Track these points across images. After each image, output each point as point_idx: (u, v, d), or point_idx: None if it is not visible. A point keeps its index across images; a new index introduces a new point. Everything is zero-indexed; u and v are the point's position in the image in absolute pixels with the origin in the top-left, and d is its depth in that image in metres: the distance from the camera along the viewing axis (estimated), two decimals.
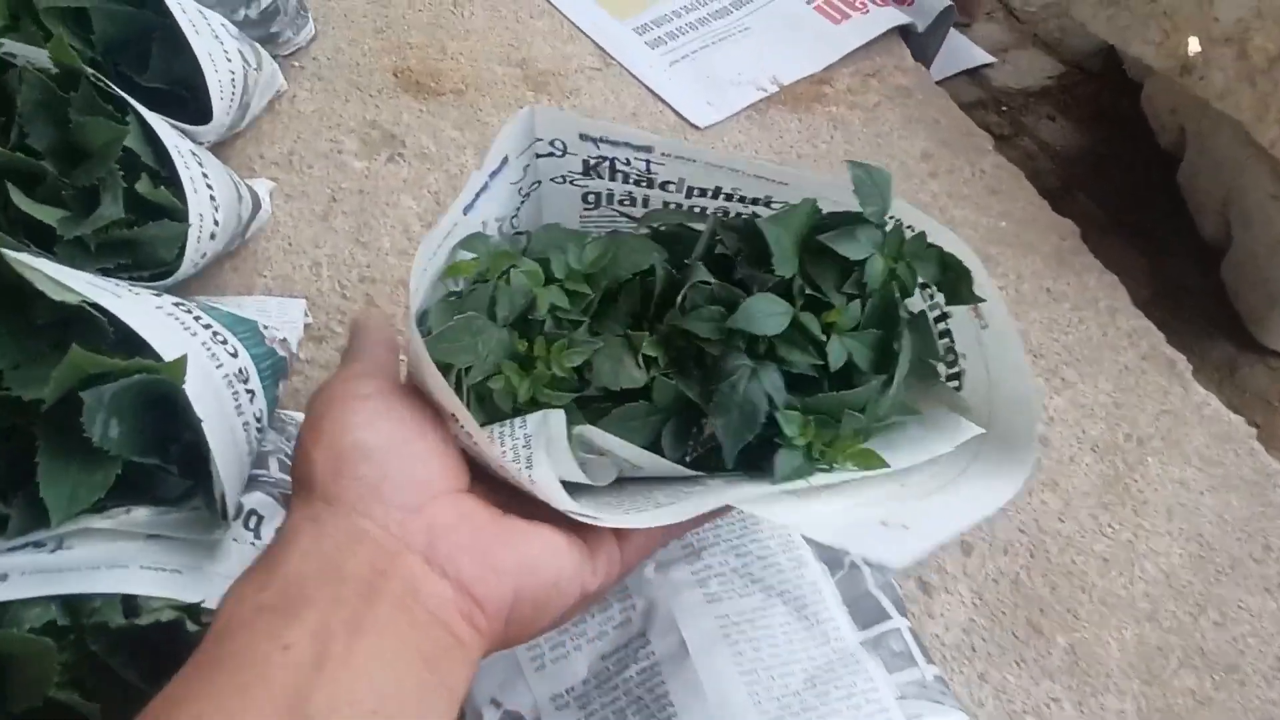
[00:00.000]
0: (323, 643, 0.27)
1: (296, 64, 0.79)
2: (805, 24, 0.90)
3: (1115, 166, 1.00)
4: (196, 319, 0.44)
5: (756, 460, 0.37)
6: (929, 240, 0.37)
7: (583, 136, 0.41)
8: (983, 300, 0.37)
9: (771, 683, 0.46)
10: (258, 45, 0.68)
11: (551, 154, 0.42)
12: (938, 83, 1.02)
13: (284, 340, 0.53)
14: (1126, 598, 0.59)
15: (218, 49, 0.56)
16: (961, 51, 1.08)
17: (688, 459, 0.38)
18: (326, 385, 0.34)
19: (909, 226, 0.38)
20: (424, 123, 0.77)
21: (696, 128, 0.80)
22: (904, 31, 0.93)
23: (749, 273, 0.38)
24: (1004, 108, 1.05)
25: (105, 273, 0.48)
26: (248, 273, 0.66)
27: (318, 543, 0.30)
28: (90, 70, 0.47)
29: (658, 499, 0.36)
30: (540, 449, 0.34)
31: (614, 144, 0.41)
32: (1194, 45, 0.78)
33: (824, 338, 0.36)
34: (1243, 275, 0.85)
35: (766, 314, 0.35)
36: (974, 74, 1.08)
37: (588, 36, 0.86)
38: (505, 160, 0.40)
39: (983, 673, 0.55)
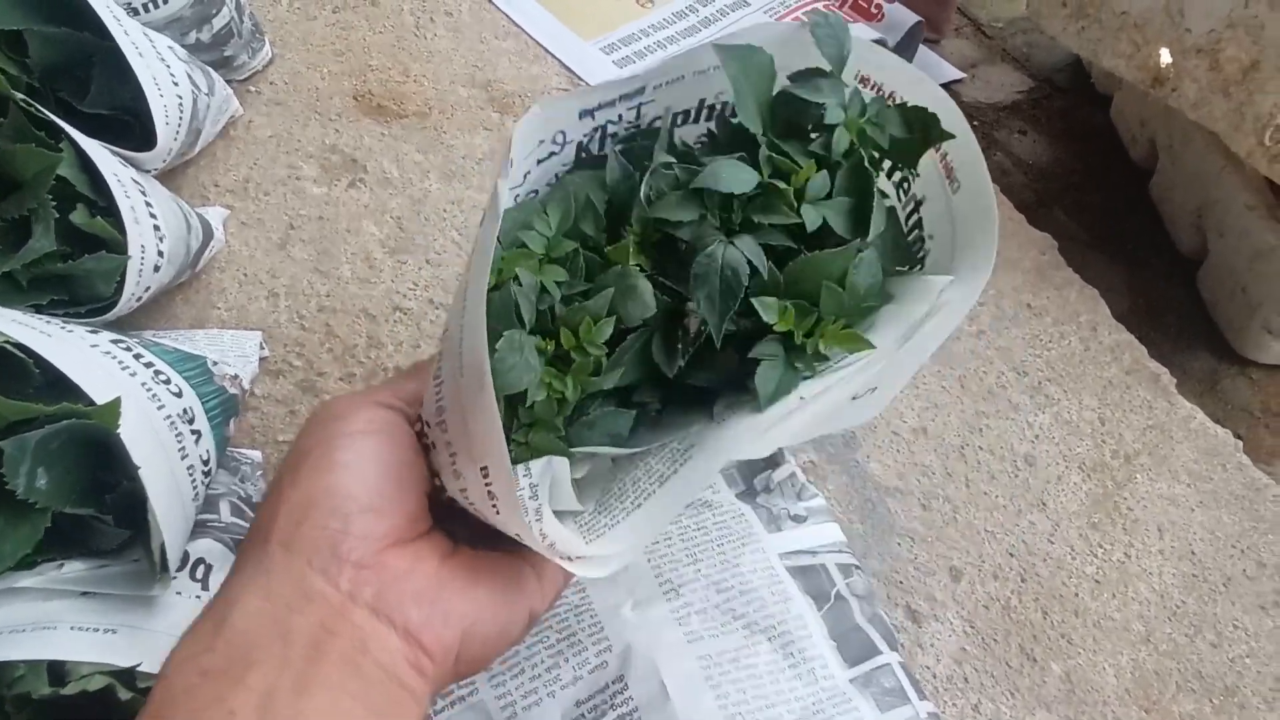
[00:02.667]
0: (269, 707, 0.27)
1: (253, 89, 0.76)
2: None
3: (1088, 180, 0.99)
4: (137, 357, 0.42)
5: (739, 393, 0.36)
6: (899, 96, 0.37)
7: (581, 114, 0.38)
8: (953, 137, 0.36)
9: None
10: (210, 69, 0.66)
11: (551, 153, 0.38)
12: None
13: (235, 377, 0.50)
14: (1120, 620, 0.57)
15: (163, 73, 0.53)
16: (931, 67, 1.07)
17: (682, 362, 0.36)
18: (327, 405, 0.34)
19: (874, 85, 0.38)
20: (386, 146, 0.75)
21: None
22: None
23: (711, 157, 0.35)
24: (975, 122, 1.05)
25: (38, 309, 0.45)
26: (200, 305, 0.63)
27: (267, 600, 0.29)
28: (20, 95, 0.45)
29: (659, 470, 0.35)
30: (544, 496, 0.32)
31: (609, 105, 0.38)
32: (1165, 57, 0.77)
33: (796, 204, 0.35)
34: (1220, 286, 0.84)
35: (733, 174, 0.34)
36: (944, 89, 1.07)
37: (554, 57, 0.84)
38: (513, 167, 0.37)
39: (976, 704, 0.53)
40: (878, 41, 0.92)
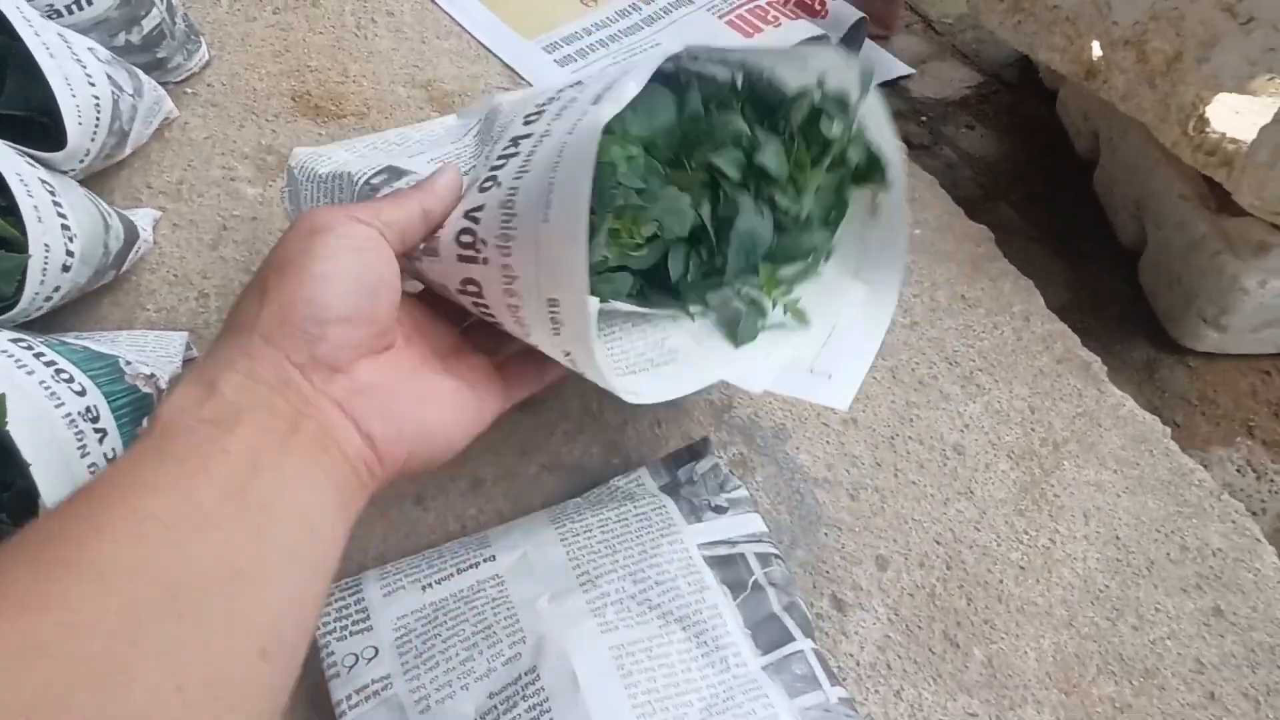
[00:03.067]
0: (257, 454, 0.31)
1: (189, 90, 0.76)
2: (718, 38, 0.89)
3: (1034, 173, 1.00)
4: (37, 356, 0.42)
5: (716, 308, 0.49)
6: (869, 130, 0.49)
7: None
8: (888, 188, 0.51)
9: (665, 713, 0.44)
10: (138, 71, 0.66)
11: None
12: None
13: (151, 376, 0.50)
14: (1044, 605, 0.57)
15: (78, 73, 0.53)
16: (879, 63, 1.08)
17: (688, 277, 0.46)
18: (309, 216, 0.38)
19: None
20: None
21: None
22: (818, 44, 0.93)
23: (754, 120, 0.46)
24: (924, 118, 1.06)
25: None
26: (129, 306, 0.63)
27: (250, 378, 0.33)
28: None
29: (657, 339, 0.48)
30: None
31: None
32: (1096, 49, 0.78)
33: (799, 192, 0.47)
34: (1158, 277, 0.85)
35: (777, 159, 0.45)
36: (893, 85, 1.08)
37: (495, 56, 0.85)
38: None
39: (899, 690, 0.54)
40: (820, 37, 0.92)
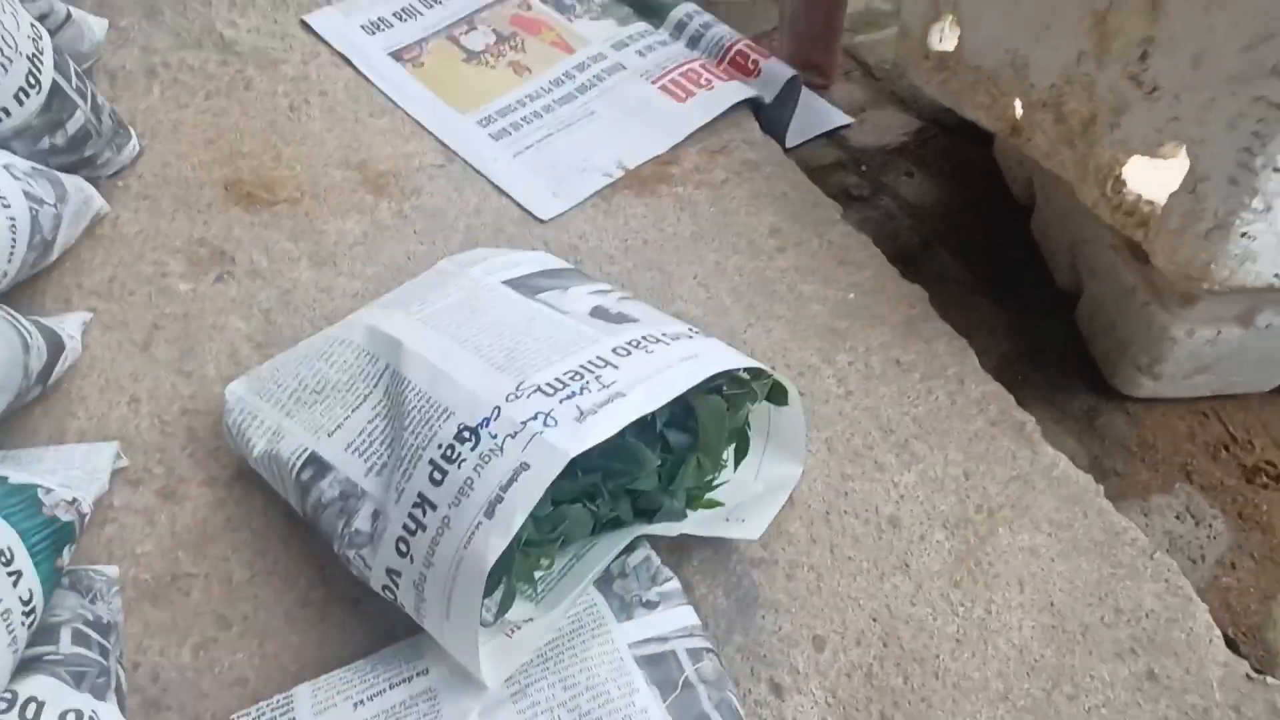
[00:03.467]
0: None
1: (120, 183, 0.76)
2: (651, 104, 0.90)
3: (973, 219, 1.02)
4: None
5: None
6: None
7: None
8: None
9: None
10: (62, 177, 0.66)
11: None
12: (796, 148, 1.04)
13: (72, 502, 0.50)
14: (979, 679, 0.58)
15: None
16: (819, 114, 1.10)
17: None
18: None
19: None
20: (255, 236, 0.75)
21: (541, 220, 0.80)
22: (754, 104, 0.94)
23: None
24: (863, 167, 1.07)
25: None
26: (60, 415, 0.63)
27: None
28: None
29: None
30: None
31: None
32: (1018, 109, 0.80)
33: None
34: (1095, 323, 0.86)
35: (654, 480, 0.55)
36: (832, 135, 1.09)
37: (430, 133, 0.85)
38: None
39: None
40: (753, 100, 0.93)
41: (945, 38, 0.87)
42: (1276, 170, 0.58)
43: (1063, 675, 0.59)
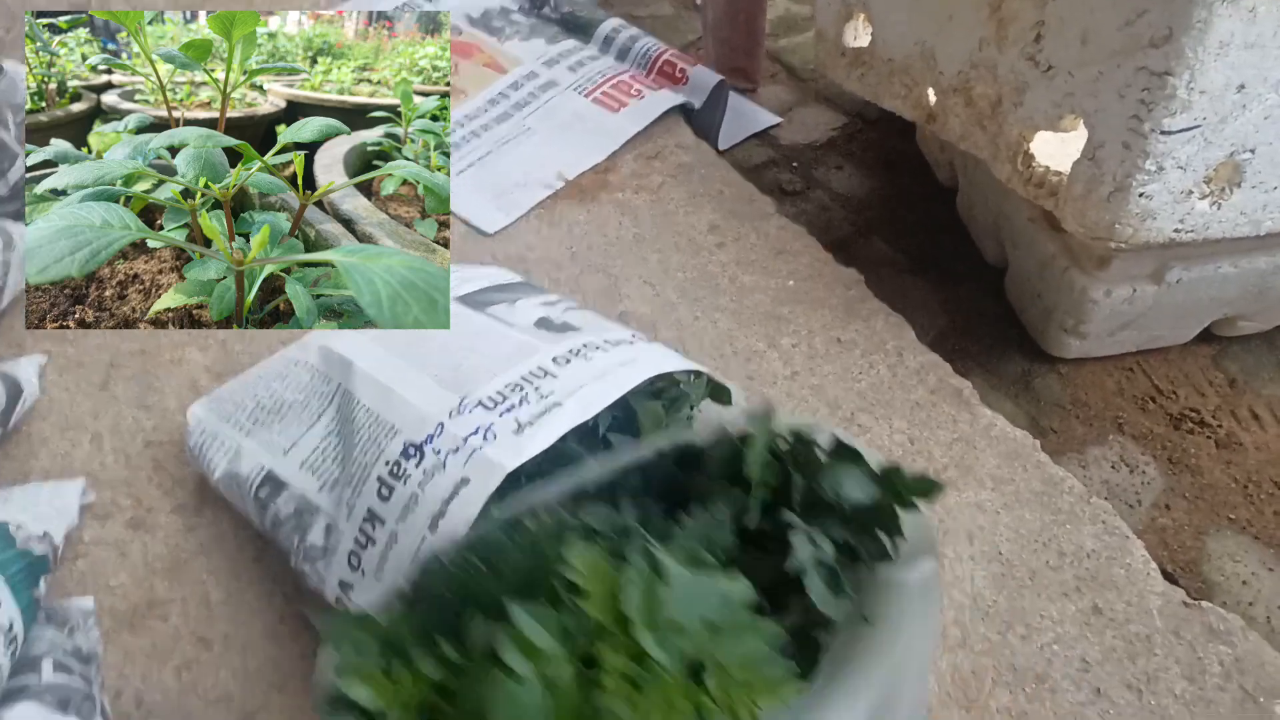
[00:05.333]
0: None
1: None
2: (585, 117, 0.93)
3: (903, 206, 1.06)
4: None
5: None
6: None
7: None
8: None
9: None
10: (5, 224, 0.67)
11: None
12: (729, 150, 1.08)
13: (44, 535, 0.50)
14: (939, 629, 0.61)
15: None
16: (749, 116, 1.14)
17: None
18: None
19: None
20: None
21: (486, 234, 0.82)
22: (684, 111, 0.98)
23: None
24: (794, 164, 1.11)
25: None
26: (22, 458, 0.63)
27: None
28: None
29: None
30: None
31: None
32: (932, 96, 0.84)
33: None
34: (1021, 293, 0.91)
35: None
36: (763, 135, 1.13)
37: None
38: None
39: None
40: (684, 106, 0.97)
41: (859, 35, 0.92)
42: (1164, 134, 0.63)
43: (1015, 618, 0.62)
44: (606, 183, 0.88)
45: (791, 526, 0.36)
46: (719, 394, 0.60)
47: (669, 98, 0.95)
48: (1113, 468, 0.82)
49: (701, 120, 1.00)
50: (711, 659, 0.29)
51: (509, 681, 0.27)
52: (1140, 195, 0.65)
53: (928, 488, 0.38)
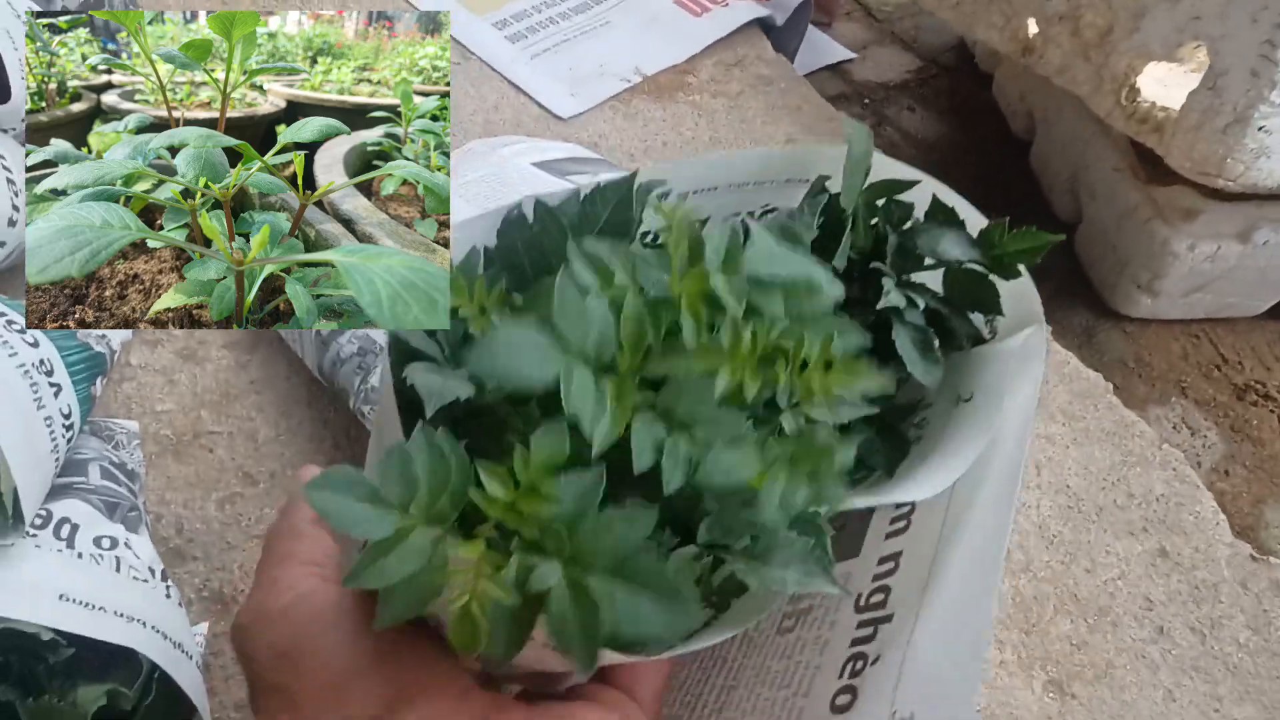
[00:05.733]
0: None
1: None
2: (665, 18, 0.90)
3: (973, 153, 1.04)
4: None
5: None
6: None
7: None
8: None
9: None
10: None
11: None
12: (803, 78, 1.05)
13: (102, 336, 0.48)
14: None
15: (15, 27, 0.51)
16: (823, 48, 1.11)
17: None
18: (279, 599, 0.28)
19: None
20: None
21: (560, 118, 0.79)
22: (764, 26, 0.95)
23: None
24: (866, 100, 1.08)
25: None
26: None
27: None
28: None
29: None
30: None
31: None
32: (1032, 26, 0.81)
33: None
34: (1094, 247, 0.89)
35: None
36: (836, 69, 1.10)
37: None
38: None
39: None
40: (766, 20, 0.94)
41: None
42: None
43: (1080, 550, 0.60)
44: (685, 84, 0.85)
45: (882, 274, 0.32)
46: None
47: (752, 8, 0.92)
48: (1174, 428, 0.80)
49: (780, 39, 0.96)
50: (786, 322, 0.25)
51: (573, 287, 0.24)
52: (1260, 129, 0.62)
53: (1036, 243, 0.33)
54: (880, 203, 0.34)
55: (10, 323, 0.40)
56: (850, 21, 1.20)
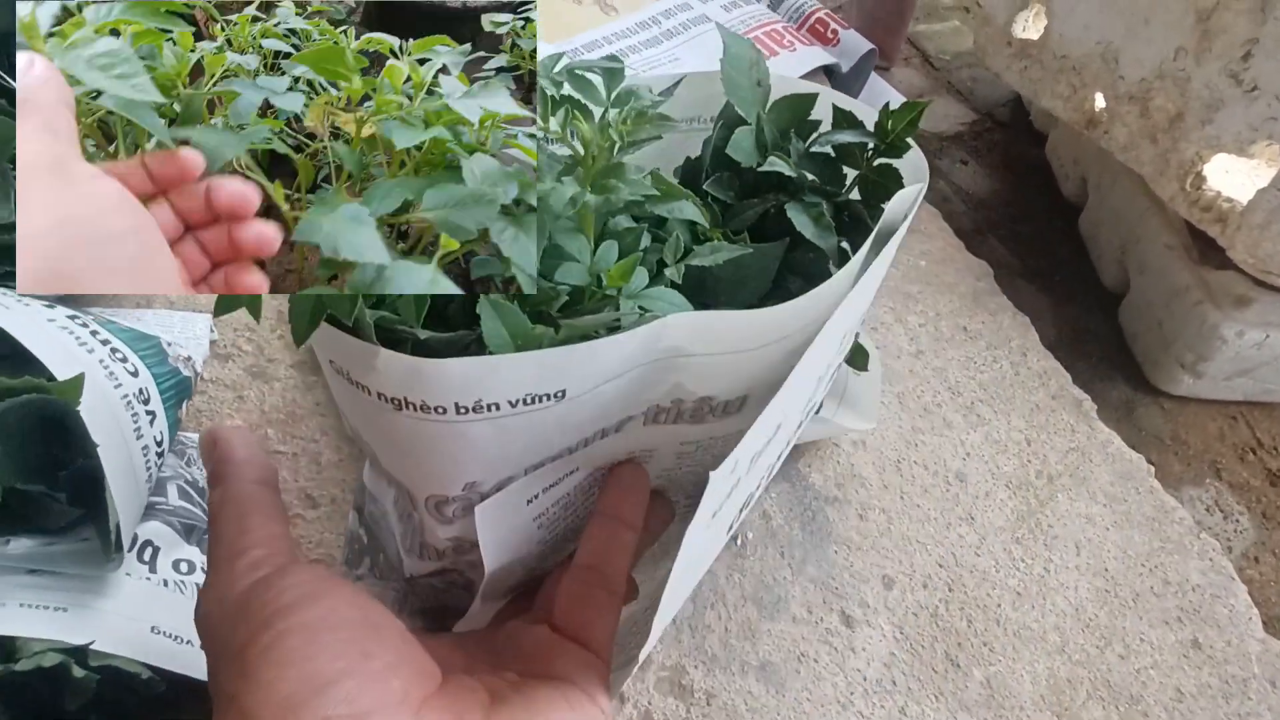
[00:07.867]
0: None
1: None
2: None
3: (1022, 211, 1.04)
4: (94, 334, 0.41)
5: None
6: None
7: None
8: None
9: None
10: None
11: None
12: None
13: (189, 358, 0.49)
14: (1038, 630, 0.60)
15: None
16: (880, 94, 1.11)
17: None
18: (235, 597, 0.28)
19: None
20: None
21: None
22: (828, 71, 0.95)
23: None
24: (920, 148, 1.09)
25: None
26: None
27: None
28: None
29: None
30: None
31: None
32: (1100, 101, 0.82)
33: None
34: (1139, 320, 0.89)
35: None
36: None
37: None
38: None
39: (903, 707, 0.56)
40: (830, 67, 0.95)
41: (1029, 27, 0.89)
42: None
43: (1114, 636, 0.61)
44: None
45: (780, 160, 0.38)
46: (857, 358, 0.58)
47: (819, 55, 0.93)
48: (1207, 510, 0.81)
49: (843, 84, 0.97)
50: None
51: None
52: None
53: (913, 113, 0.38)
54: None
55: (114, 351, 0.42)
56: (908, 67, 1.20)
